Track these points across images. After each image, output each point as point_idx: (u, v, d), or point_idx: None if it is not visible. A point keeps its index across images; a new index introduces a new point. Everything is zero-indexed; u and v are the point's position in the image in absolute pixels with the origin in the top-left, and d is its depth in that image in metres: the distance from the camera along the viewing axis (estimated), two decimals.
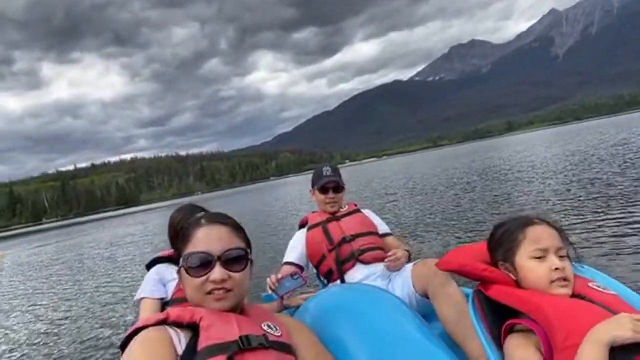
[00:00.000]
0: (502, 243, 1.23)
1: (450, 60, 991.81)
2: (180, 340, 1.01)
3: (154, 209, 52.05)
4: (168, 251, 2.10)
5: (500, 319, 1.17)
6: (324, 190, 2.50)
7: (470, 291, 1.36)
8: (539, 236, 1.17)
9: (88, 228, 31.46)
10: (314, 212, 2.60)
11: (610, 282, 1.22)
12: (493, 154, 26.96)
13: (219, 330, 1.03)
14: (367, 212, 2.58)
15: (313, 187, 2.59)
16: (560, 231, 1.20)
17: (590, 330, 0.95)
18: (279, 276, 1.87)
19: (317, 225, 2.46)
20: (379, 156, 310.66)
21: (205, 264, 1.11)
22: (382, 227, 2.53)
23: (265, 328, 1.11)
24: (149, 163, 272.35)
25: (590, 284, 1.16)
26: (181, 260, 1.16)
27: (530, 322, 1.07)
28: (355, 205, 2.61)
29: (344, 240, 2.34)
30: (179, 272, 1.19)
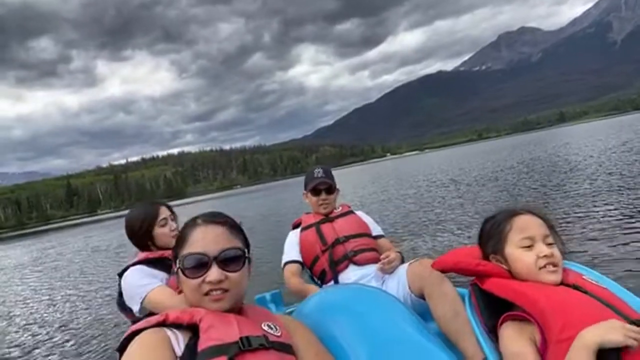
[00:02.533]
0: (491, 236, 1.26)
1: (497, 48, 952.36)
2: (178, 341, 1.01)
3: (199, 201, 53.72)
4: (140, 255, 1.94)
5: (496, 312, 1.18)
6: (316, 191, 2.51)
7: (466, 291, 1.37)
8: (525, 225, 1.20)
9: None
10: (307, 213, 2.59)
11: (601, 278, 1.23)
12: (544, 146, 25.65)
13: (219, 331, 1.02)
14: (361, 214, 2.59)
15: (305, 189, 2.58)
16: (545, 219, 1.23)
17: (580, 333, 0.96)
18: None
19: (310, 226, 2.46)
20: (421, 149, 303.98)
21: (201, 264, 1.10)
22: (375, 229, 2.54)
23: (265, 328, 1.10)
24: (194, 157, 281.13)
25: (584, 277, 1.19)
26: (177, 261, 1.15)
27: (524, 314, 1.09)
28: (349, 207, 2.62)
29: (338, 241, 2.34)
30: (176, 273, 1.16)
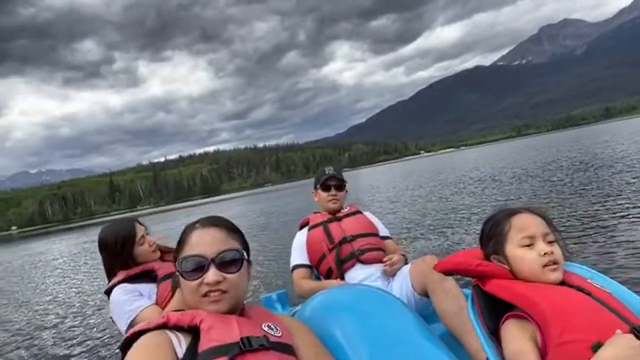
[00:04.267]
0: (491, 236, 1.26)
1: (538, 42, 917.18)
2: (180, 343, 1.01)
3: (233, 198, 54.72)
4: (122, 273, 1.93)
5: (497, 313, 1.17)
6: (326, 187, 2.56)
7: (469, 292, 1.38)
8: (524, 224, 1.20)
9: (178, 214, 33.78)
10: (315, 213, 2.62)
11: (605, 281, 1.23)
12: (589, 143, 24.41)
13: (220, 332, 1.02)
14: (368, 214, 2.61)
15: (315, 186, 2.63)
16: (544, 218, 1.23)
17: (598, 354, 0.94)
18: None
19: (318, 224, 2.49)
20: (457, 146, 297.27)
21: (199, 267, 1.11)
22: (382, 230, 2.55)
23: (266, 329, 1.11)
24: (229, 154, 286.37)
25: (587, 280, 1.18)
26: (176, 264, 1.16)
27: (524, 314, 1.09)
28: (357, 208, 2.63)
29: (345, 240, 2.36)
30: (176, 276, 1.18)
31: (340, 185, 2.58)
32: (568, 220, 5.62)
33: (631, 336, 0.95)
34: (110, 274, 1.97)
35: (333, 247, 2.35)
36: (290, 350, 1.10)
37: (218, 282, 1.09)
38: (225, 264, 1.12)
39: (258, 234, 10.57)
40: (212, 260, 1.11)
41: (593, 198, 6.84)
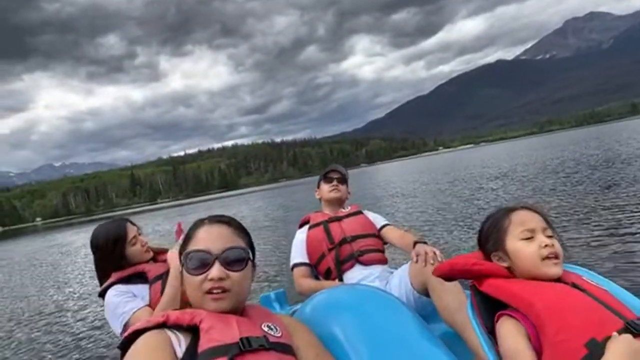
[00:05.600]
0: (491, 233, 1.27)
1: (563, 35, 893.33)
2: (180, 342, 1.01)
3: (250, 192, 55.15)
4: (115, 274, 1.94)
5: (494, 313, 1.18)
6: (328, 179, 2.59)
7: (469, 293, 1.38)
8: (524, 218, 1.21)
9: (199, 208, 34.19)
10: (315, 212, 2.62)
11: (601, 280, 1.23)
12: (614, 140, 23.73)
13: (219, 332, 1.02)
14: (368, 213, 2.59)
15: (318, 184, 2.67)
16: (542, 215, 1.24)
17: (605, 357, 0.93)
18: None
19: (318, 224, 2.48)
20: (476, 142, 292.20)
21: (204, 263, 1.11)
22: (380, 222, 2.53)
23: (265, 329, 1.11)
24: (247, 149, 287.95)
25: (583, 278, 1.19)
26: (181, 258, 1.17)
27: (517, 314, 1.09)
28: (357, 208, 2.63)
29: (345, 240, 2.35)
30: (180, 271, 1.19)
31: (342, 179, 2.59)
32: (586, 222, 5.50)
33: (630, 338, 0.95)
34: (103, 276, 1.97)
35: (333, 247, 2.35)
36: (289, 351, 1.10)
37: (221, 279, 1.10)
38: (230, 261, 1.12)
39: (264, 230, 10.64)
40: (218, 257, 1.11)
41: (616, 198, 6.65)
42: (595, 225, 5.07)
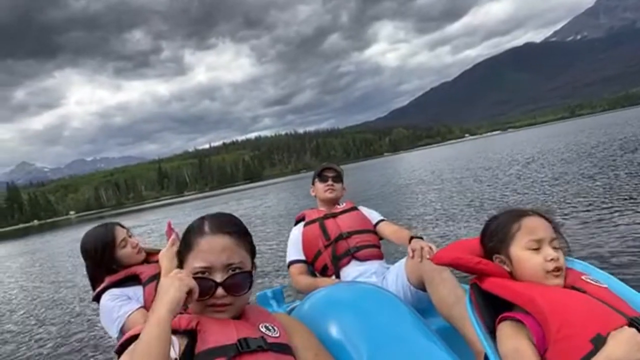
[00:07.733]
0: (496, 235, 1.25)
1: (595, 15, 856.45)
2: (173, 345, 1.00)
3: (274, 183, 55.64)
4: (108, 278, 1.94)
5: (495, 311, 1.18)
6: (323, 178, 2.59)
7: (467, 287, 1.36)
8: (534, 227, 1.19)
9: (224, 200, 34.66)
10: (311, 209, 2.63)
11: (602, 275, 1.23)
12: None
13: (217, 334, 1.02)
14: (363, 209, 2.62)
15: (313, 181, 2.66)
16: (552, 223, 1.22)
17: (604, 348, 0.94)
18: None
19: (314, 221, 2.49)
20: (503, 128, 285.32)
21: (207, 288, 1.09)
22: (375, 217, 2.56)
23: (263, 330, 1.10)
24: (270, 141, 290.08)
25: (583, 277, 1.19)
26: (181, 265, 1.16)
27: (522, 315, 1.09)
28: (353, 204, 2.64)
29: (341, 237, 2.37)
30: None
31: (337, 177, 2.60)
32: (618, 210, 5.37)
33: (634, 330, 0.96)
34: (95, 281, 1.98)
35: (329, 243, 2.36)
36: (288, 351, 1.09)
37: (224, 297, 1.10)
38: (235, 287, 1.11)
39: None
40: (221, 283, 1.09)
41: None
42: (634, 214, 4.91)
